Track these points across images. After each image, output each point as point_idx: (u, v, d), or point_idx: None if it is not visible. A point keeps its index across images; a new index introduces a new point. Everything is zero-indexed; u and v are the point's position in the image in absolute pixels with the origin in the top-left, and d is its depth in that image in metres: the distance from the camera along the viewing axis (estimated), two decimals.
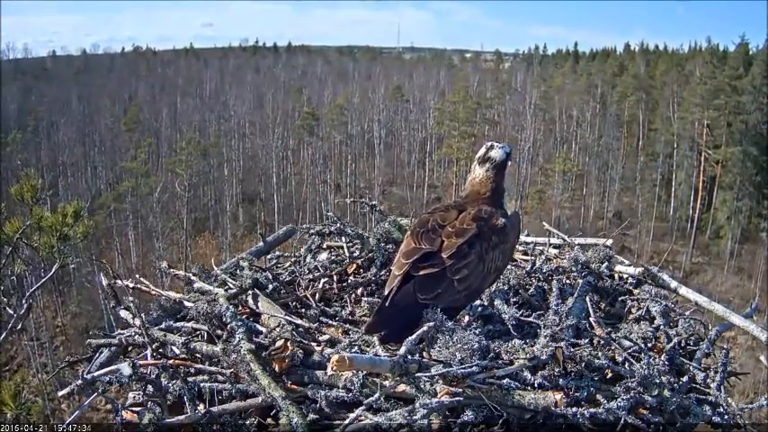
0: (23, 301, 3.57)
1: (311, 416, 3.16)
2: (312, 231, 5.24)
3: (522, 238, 5.63)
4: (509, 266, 4.63)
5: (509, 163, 4.12)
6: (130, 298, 3.95)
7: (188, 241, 46.27)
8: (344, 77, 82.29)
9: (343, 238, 5.23)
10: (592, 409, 3.10)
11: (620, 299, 4.66)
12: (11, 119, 57.20)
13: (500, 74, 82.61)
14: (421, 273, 3.58)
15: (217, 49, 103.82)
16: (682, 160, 54.75)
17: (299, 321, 3.87)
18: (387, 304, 3.56)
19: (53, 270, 3.66)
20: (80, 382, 3.24)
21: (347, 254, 5.07)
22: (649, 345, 3.82)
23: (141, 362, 3.48)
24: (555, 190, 54.66)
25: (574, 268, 4.77)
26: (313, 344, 3.59)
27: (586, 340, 3.60)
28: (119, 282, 4.39)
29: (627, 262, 5.15)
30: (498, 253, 3.81)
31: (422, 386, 3.13)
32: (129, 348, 3.91)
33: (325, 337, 3.82)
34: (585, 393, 3.22)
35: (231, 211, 55.64)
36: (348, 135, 62.55)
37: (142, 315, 3.86)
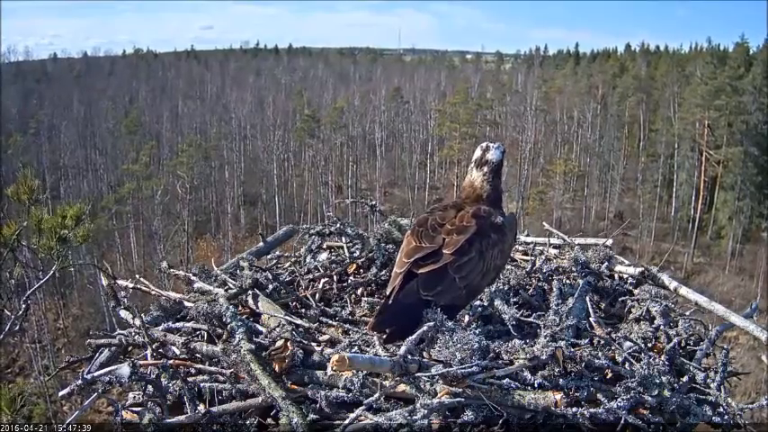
0: (21, 302, 3.57)
1: (311, 416, 3.16)
2: (312, 232, 5.24)
3: (523, 238, 5.65)
4: (509, 266, 4.64)
5: (504, 162, 4.15)
6: (123, 292, 3.93)
7: (189, 243, 46.24)
8: (345, 79, 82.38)
9: (344, 239, 5.24)
10: (592, 409, 3.10)
11: (620, 299, 4.66)
12: (12, 122, 57.30)
13: (501, 75, 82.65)
14: (423, 270, 3.59)
15: (217, 52, 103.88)
16: (683, 161, 54.70)
17: (299, 321, 3.88)
18: (390, 303, 3.58)
19: (51, 272, 3.66)
20: (80, 382, 3.23)
21: (347, 254, 5.08)
22: (649, 345, 3.82)
23: (141, 362, 3.48)
24: (556, 191, 54.65)
25: (574, 268, 4.77)
26: (313, 344, 3.59)
27: (586, 340, 3.60)
28: (119, 282, 4.40)
29: (627, 262, 5.14)
30: (497, 251, 3.84)
31: (422, 386, 3.14)
32: (130, 348, 3.91)
33: (325, 337, 3.83)
34: (585, 393, 3.21)
35: (232, 213, 55.65)
36: (349, 137, 62.53)
37: (142, 315, 3.86)
